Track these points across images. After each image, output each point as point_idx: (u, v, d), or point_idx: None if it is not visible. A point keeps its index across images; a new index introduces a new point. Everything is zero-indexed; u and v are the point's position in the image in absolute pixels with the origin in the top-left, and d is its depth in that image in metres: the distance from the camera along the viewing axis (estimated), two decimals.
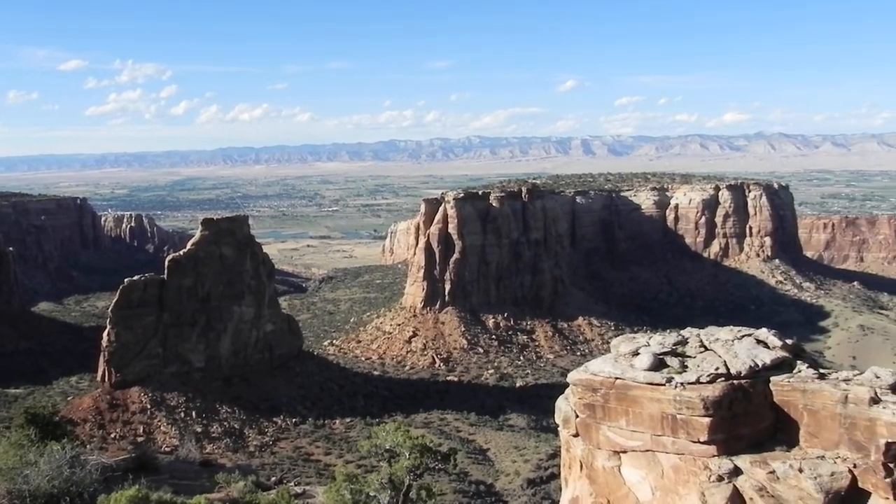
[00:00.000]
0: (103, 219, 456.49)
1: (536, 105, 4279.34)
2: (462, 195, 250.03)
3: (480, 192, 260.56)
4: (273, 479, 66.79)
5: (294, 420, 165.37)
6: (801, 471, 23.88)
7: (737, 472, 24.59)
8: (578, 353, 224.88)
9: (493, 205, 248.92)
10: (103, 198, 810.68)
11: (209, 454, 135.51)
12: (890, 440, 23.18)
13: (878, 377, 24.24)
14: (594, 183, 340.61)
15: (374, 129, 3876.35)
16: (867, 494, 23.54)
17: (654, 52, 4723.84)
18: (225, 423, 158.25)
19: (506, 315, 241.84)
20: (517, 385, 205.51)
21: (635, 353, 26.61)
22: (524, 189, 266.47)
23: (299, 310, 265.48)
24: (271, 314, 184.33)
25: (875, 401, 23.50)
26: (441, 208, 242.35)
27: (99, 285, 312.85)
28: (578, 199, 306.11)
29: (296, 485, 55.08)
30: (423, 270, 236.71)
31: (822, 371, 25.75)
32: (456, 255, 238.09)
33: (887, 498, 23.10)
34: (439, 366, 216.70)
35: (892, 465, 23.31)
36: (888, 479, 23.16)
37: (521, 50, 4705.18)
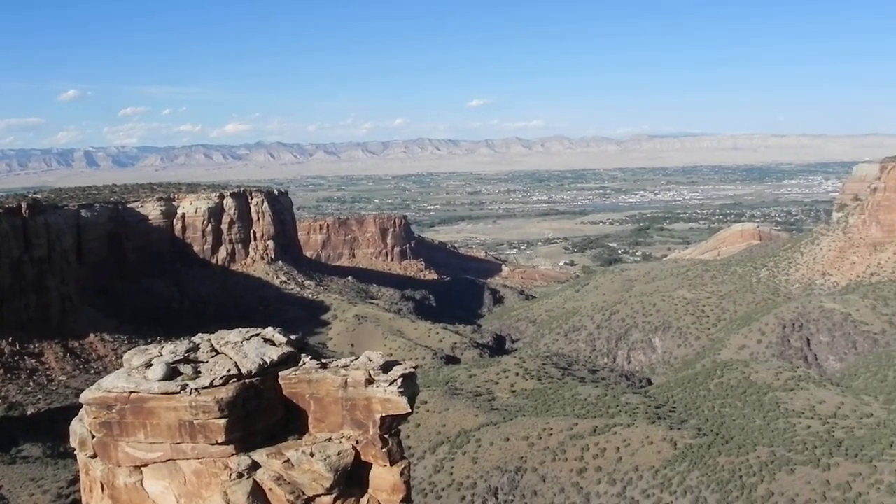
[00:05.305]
0: None
1: (36, 115, 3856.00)
2: None
3: None
4: None
5: None
6: (312, 455, 25.98)
7: (255, 466, 25.86)
8: (93, 372, 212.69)
9: None
10: None
11: None
12: (384, 414, 26.35)
13: (370, 360, 27.32)
14: (99, 195, 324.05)
15: None
16: (369, 465, 26.50)
17: (159, 63, 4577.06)
18: None
19: (11, 340, 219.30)
20: (28, 413, 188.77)
21: (148, 365, 26.46)
22: (24, 204, 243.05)
23: None
24: None
25: (370, 381, 26.45)
26: None
27: None
28: (83, 212, 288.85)
29: None
30: None
31: (324, 361, 28.20)
32: None
33: (385, 465, 26.29)
34: None
35: (387, 437, 26.53)
36: (384, 449, 26.34)
37: (16, 55, 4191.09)
